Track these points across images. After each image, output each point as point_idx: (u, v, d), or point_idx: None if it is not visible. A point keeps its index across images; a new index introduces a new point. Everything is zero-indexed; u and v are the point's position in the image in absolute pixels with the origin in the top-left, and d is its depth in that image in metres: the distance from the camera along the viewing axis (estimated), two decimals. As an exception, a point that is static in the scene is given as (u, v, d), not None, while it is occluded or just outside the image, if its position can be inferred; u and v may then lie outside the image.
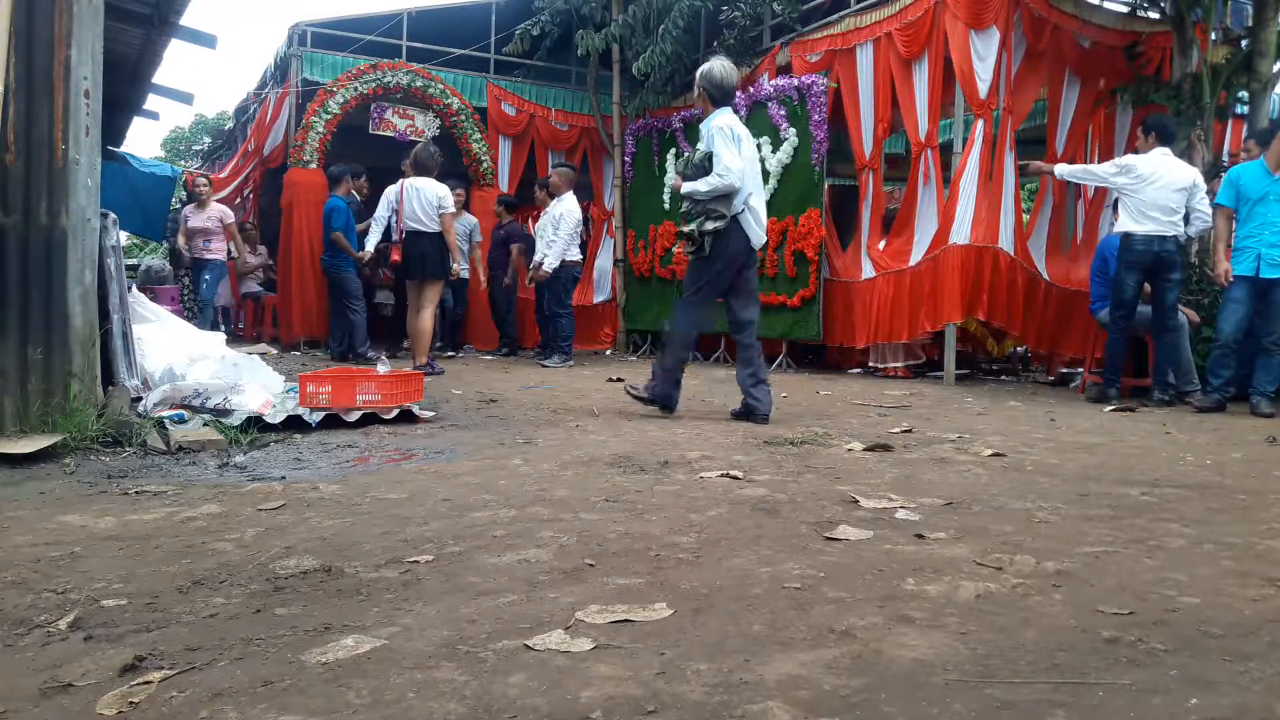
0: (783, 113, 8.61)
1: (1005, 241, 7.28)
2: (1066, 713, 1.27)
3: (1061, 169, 6.49)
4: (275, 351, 9.00)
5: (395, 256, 7.52)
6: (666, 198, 9.99)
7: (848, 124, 8.35)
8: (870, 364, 8.33)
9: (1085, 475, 3.20)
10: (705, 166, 4.62)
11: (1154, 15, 7.81)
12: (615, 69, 10.87)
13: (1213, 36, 7.08)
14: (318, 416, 4.25)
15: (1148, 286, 5.87)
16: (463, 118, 10.54)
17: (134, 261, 15.15)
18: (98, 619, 1.65)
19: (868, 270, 8.13)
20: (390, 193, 7.42)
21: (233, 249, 9.73)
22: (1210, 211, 5.77)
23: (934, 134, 7.73)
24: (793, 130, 8.48)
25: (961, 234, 7.15)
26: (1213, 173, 6.55)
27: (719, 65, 4.76)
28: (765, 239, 4.85)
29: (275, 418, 4.14)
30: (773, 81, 8.84)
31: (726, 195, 4.58)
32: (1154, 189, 5.72)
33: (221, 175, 11.85)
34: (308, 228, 9.58)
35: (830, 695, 1.32)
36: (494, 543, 2.19)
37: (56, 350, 3.66)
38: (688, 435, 4.12)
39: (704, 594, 1.80)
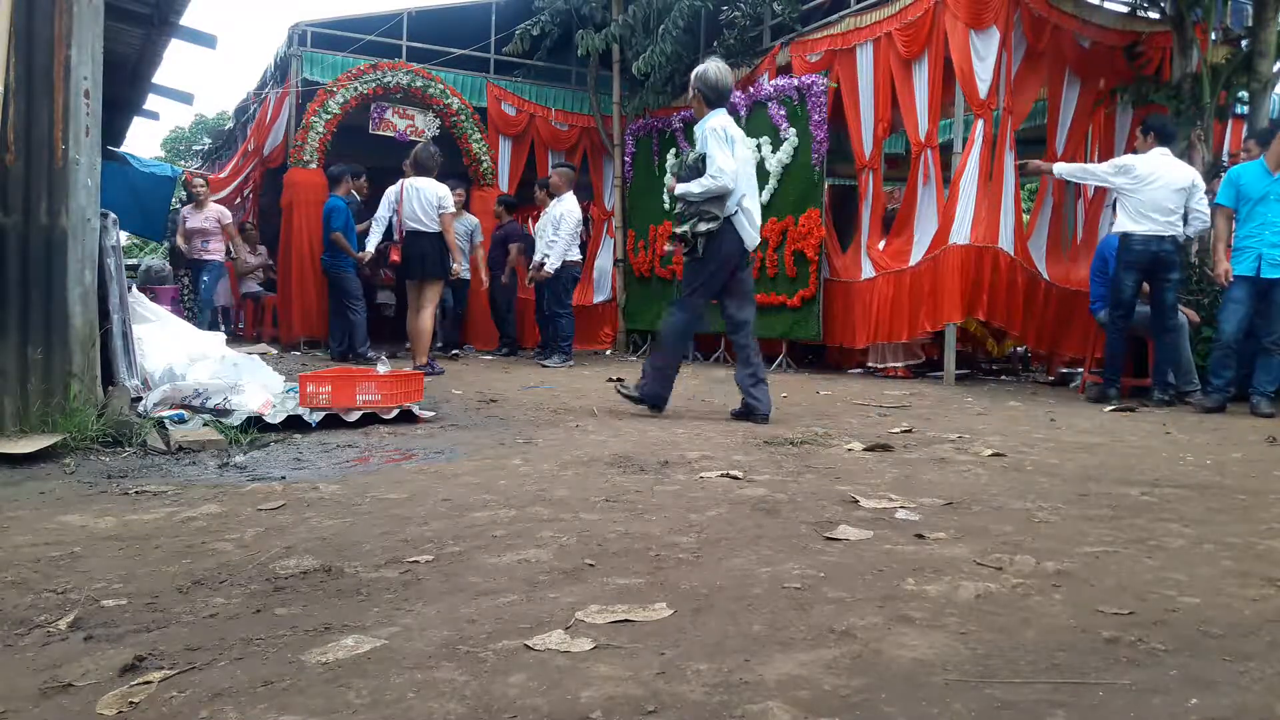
0: (783, 113, 8.61)
1: (1005, 241, 7.28)
2: (1066, 713, 1.27)
3: (1060, 168, 6.49)
4: (275, 351, 9.00)
5: (395, 256, 7.52)
6: (666, 198, 9.95)
7: (848, 124, 8.35)
8: (870, 364, 8.33)
9: (1085, 475, 3.20)
10: (699, 168, 4.63)
11: (1154, 15, 7.81)
12: (615, 69, 10.87)
13: (1213, 36, 7.08)
14: (318, 416, 4.25)
15: (1147, 286, 5.88)
16: (463, 118, 10.54)
17: (134, 261, 15.15)
18: (98, 619, 1.65)
19: (868, 270, 8.14)
20: (391, 193, 7.42)
21: (233, 249, 9.72)
22: (1208, 212, 5.77)
23: (934, 134, 7.73)
24: (793, 130, 8.48)
25: (961, 234, 7.15)
26: (1213, 173, 6.55)
27: (714, 67, 4.77)
28: (759, 240, 4.85)
29: (275, 418, 4.14)
30: (773, 81, 8.85)
31: (720, 197, 4.59)
32: (1152, 189, 5.72)
33: (221, 175, 11.85)
34: (308, 228, 9.58)
35: (830, 695, 1.32)
36: (494, 543, 2.19)
37: (56, 350, 3.66)
38: (688, 435, 4.12)
39: (704, 594, 1.80)
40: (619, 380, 4.94)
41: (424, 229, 7.22)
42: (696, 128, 4.77)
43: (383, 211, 7.43)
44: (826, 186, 8.48)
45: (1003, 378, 8.21)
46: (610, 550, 2.12)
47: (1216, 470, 3.38)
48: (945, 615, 1.68)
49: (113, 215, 4.10)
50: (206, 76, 68.60)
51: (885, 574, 1.94)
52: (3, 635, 1.57)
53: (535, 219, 10.98)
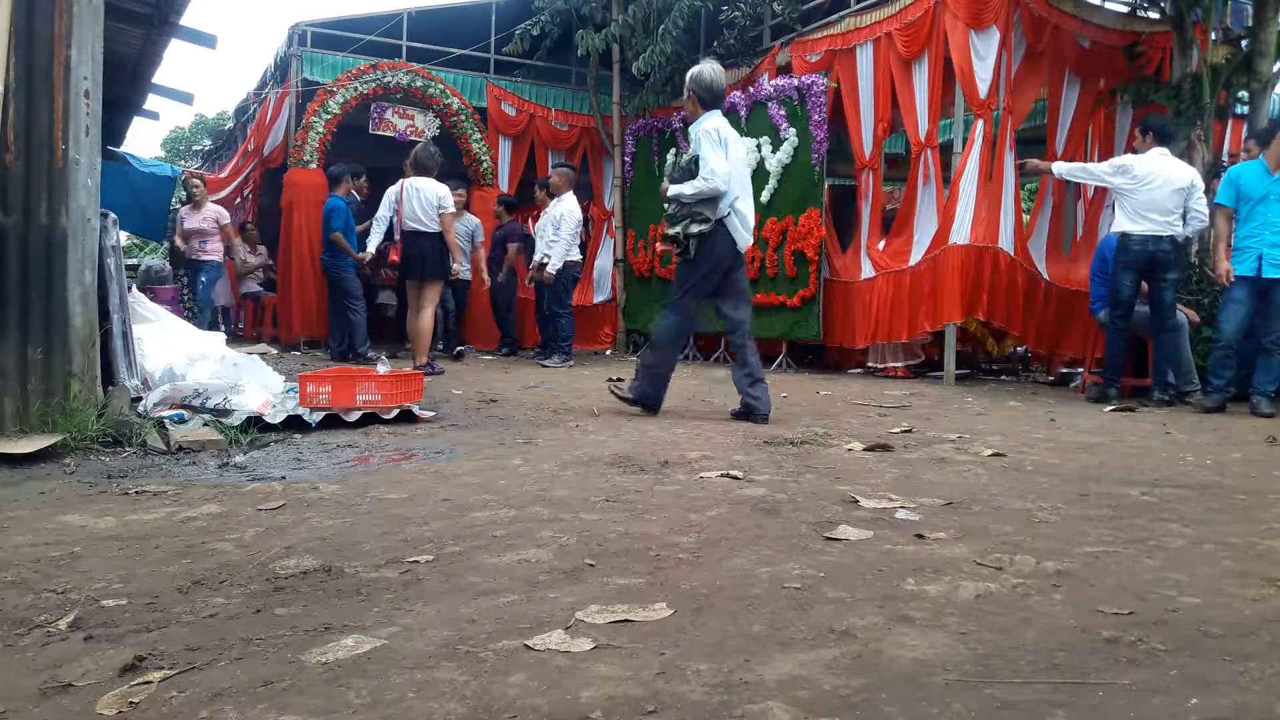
0: (783, 113, 8.61)
1: (1005, 241, 7.28)
2: (1066, 713, 1.27)
3: (1059, 167, 6.49)
4: (275, 351, 9.00)
5: (394, 256, 7.52)
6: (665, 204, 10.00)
7: (848, 124, 8.35)
8: (869, 364, 8.33)
9: (1085, 475, 3.20)
10: (691, 170, 4.65)
11: (1154, 15, 7.81)
12: (615, 69, 10.87)
13: (1213, 36, 7.08)
14: (318, 416, 4.25)
15: (1146, 286, 5.88)
16: (463, 118, 10.54)
17: (134, 261, 15.15)
18: (98, 619, 1.65)
19: (867, 270, 8.14)
20: (391, 192, 7.43)
21: (231, 249, 9.69)
22: (1207, 211, 5.78)
23: (934, 134, 7.74)
24: (793, 130, 8.48)
25: (961, 234, 7.15)
26: (1213, 173, 6.55)
27: (708, 68, 4.77)
28: (751, 241, 4.86)
29: (275, 418, 4.14)
30: (773, 81, 8.85)
31: (712, 199, 4.61)
32: (1151, 190, 5.73)
33: (221, 175, 11.85)
34: (308, 228, 9.58)
35: (830, 695, 1.32)
36: (494, 543, 2.19)
37: (56, 350, 3.66)
38: (688, 435, 4.12)
39: (704, 594, 1.80)
40: (617, 380, 4.94)
41: (424, 229, 7.22)
42: (691, 129, 4.78)
43: (383, 211, 7.43)
44: (826, 186, 8.48)
45: (1003, 378, 8.21)
46: (610, 550, 2.12)
47: (1216, 470, 3.38)
48: (945, 615, 1.68)
49: (113, 215, 4.10)
50: (206, 76, 68.66)
51: (885, 574, 1.94)
52: (3, 635, 1.57)
53: (535, 219, 10.98)
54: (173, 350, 4.77)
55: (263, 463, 3.40)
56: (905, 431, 4.31)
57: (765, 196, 8.82)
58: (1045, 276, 7.62)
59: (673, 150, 10.05)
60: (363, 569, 1.97)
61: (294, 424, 4.17)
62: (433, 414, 4.69)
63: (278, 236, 10.25)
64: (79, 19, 3.74)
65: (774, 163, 8.69)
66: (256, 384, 4.57)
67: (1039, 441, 4.07)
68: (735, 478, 3.03)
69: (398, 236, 7.37)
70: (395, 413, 4.44)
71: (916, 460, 3.49)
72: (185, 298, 9.52)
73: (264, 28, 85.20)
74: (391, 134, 10.41)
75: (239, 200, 12.00)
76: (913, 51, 7.63)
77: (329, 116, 9.77)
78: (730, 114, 9.24)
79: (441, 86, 10.40)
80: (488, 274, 9.61)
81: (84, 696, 1.33)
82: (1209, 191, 6.07)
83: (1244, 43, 6.90)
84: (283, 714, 1.26)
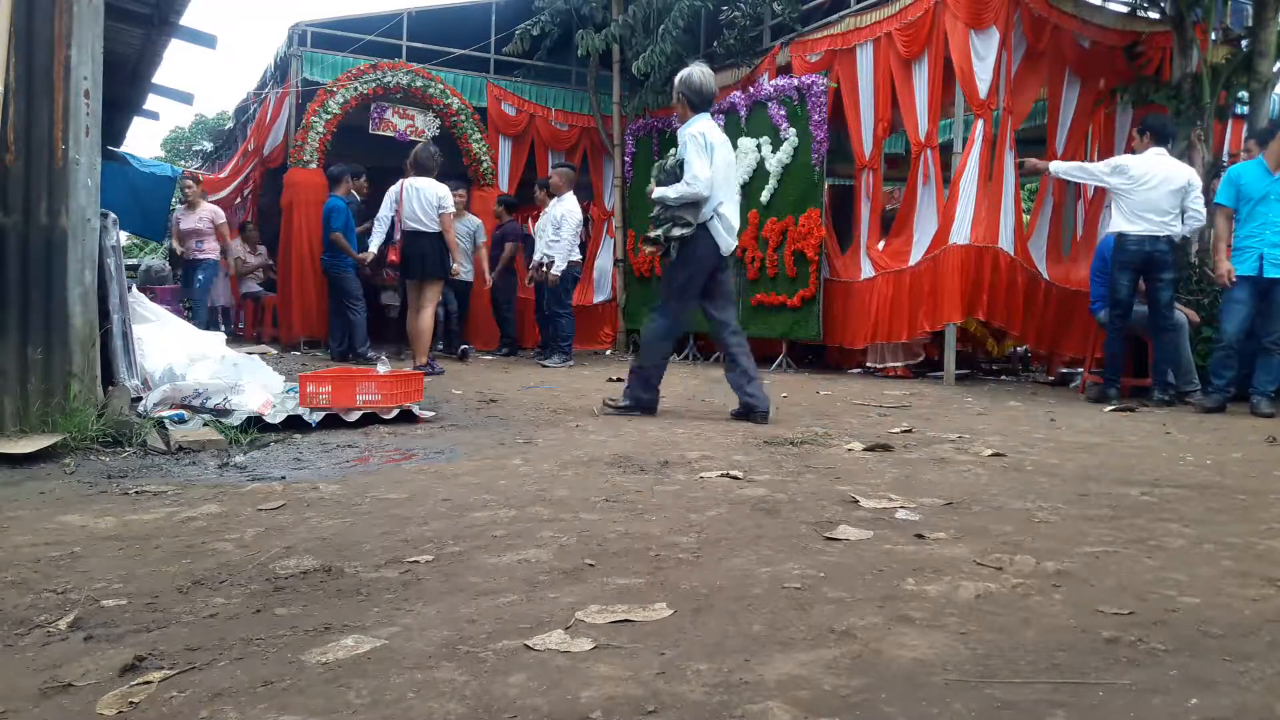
0: (783, 113, 8.61)
1: (1005, 241, 7.28)
2: (1066, 713, 1.27)
3: (1057, 166, 6.50)
4: (275, 351, 9.00)
5: (393, 256, 7.52)
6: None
7: (848, 124, 8.35)
8: (869, 364, 8.33)
9: (1085, 475, 3.20)
10: (676, 173, 4.68)
11: (1154, 15, 7.81)
12: (615, 69, 10.87)
13: (1213, 36, 7.08)
14: (318, 416, 4.25)
15: (1145, 286, 5.89)
16: (463, 118, 10.54)
17: (134, 261, 15.15)
18: (98, 619, 1.65)
19: (867, 270, 8.14)
20: (391, 192, 7.43)
21: (226, 249, 9.61)
22: (1204, 211, 5.79)
23: (934, 134, 7.73)
24: (793, 130, 8.48)
25: (961, 234, 7.15)
26: (1212, 173, 6.55)
27: (698, 71, 4.78)
28: (735, 244, 4.87)
29: (275, 418, 4.14)
30: (773, 81, 8.85)
31: (695, 203, 4.62)
32: (1148, 190, 5.74)
33: (221, 175, 11.85)
34: (308, 228, 9.58)
35: (830, 695, 1.32)
36: (494, 543, 2.19)
37: (56, 350, 3.66)
38: (688, 435, 4.12)
39: (704, 594, 1.80)
40: (608, 400, 4.96)
41: (424, 229, 7.22)
42: (679, 132, 4.79)
43: (385, 211, 7.43)
44: (826, 186, 8.48)
45: (1003, 378, 8.21)
46: (610, 550, 2.12)
47: (1216, 470, 3.38)
48: (945, 615, 1.68)
49: (113, 215, 4.10)
50: (206, 76, 68.67)
51: (885, 574, 1.94)
52: (3, 635, 1.57)
53: (535, 219, 10.98)
54: (173, 350, 4.77)
55: (263, 463, 3.40)
56: (905, 431, 4.31)
57: (765, 196, 8.82)
58: (1045, 276, 7.62)
59: (672, 150, 10.04)
60: (363, 569, 1.97)
61: (294, 424, 4.17)
62: (433, 414, 4.69)
63: (278, 236, 10.24)
64: (79, 19, 3.74)
65: (774, 163, 8.69)
66: (256, 384, 4.57)
67: (1039, 441, 4.07)
68: (735, 478, 3.03)
69: (397, 236, 7.37)
70: (395, 413, 4.44)
71: (916, 460, 3.49)
72: (185, 299, 9.51)
73: (264, 28, 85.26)
74: (391, 134, 10.41)
75: (239, 200, 12.00)
76: (913, 51, 7.63)
77: (329, 116, 9.77)
78: (730, 114, 9.27)
79: (441, 86, 10.39)
80: (488, 274, 9.61)
81: (84, 696, 1.33)
82: (1209, 191, 6.08)
83: (1244, 43, 6.89)
84: (283, 714, 1.26)
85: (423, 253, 7.23)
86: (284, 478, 3.10)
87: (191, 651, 1.49)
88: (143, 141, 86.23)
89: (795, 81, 8.49)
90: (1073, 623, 1.64)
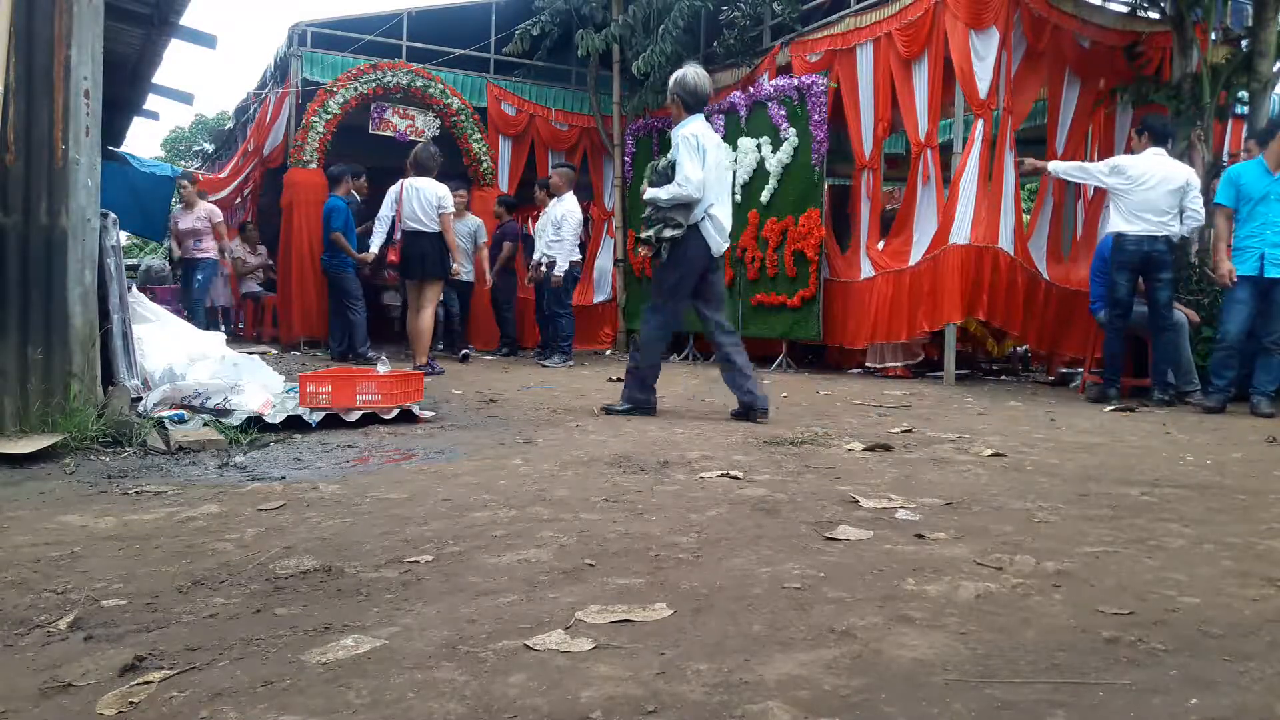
0: (783, 113, 8.61)
1: (1005, 241, 7.28)
2: (1066, 713, 1.27)
3: (1056, 166, 6.50)
4: (275, 351, 9.00)
5: (393, 256, 7.52)
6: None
7: (848, 124, 8.35)
8: (868, 364, 8.34)
9: (1085, 475, 3.20)
10: (668, 174, 4.70)
11: (1154, 15, 7.81)
12: (615, 69, 10.87)
13: (1213, 36, 7.08)
14: (318, 416, 4.25)
15: (1144, 286, 5.89)
16: (463, 118, 10.54)
17: (134, 261, 15.17)
18: (98, 619, 1.65)
19: (867, 270, 8.14)
20: (391, 192, 7.43)
21: (223, 248, 9.56)
22: (1202, 211, 5.80)
23: (934, 134, 7.74)
24: (793, 130, 8.48)
25: (961, 234, 7.15)
26: (1212, 173, 6.55)
27: (692, 72, 4.79)
28: (727, 245, 4.88)
29: (275, 418, 4.14)
30: (773, 81, 8.85)
31: (687, 205, 4.63)
32: (1146, 190, 5.75)
33: (221, 175, 11.85)
34: (308, 228, 9.58)
35: (830, 695, 1.32)
36: (494, 543, 2.19)
37: (56, 350, 3.66)
38: (688, 435, 4.12)
39: (704, 594, 1.80)
40: (605, 405, 4.97)
41: (424, 229, 7.22)
42: (672, 133, 4.80)
43: (385, 211, 7.43)
44: (826, 186, 8.48)
45: (1003, 378, 8.21)
46: (610, 550, 2.12)
47: (1216, 470, 3.38)
48: (945, 615, 1.68)
49: (113, 215, 4.10)
50: (206, 76, 68.70)
51: (885, 574, 1.94)
52: (3, 635, 1.57)
53: (535, 219, 10.98)
54: (173, 350, 4.77)
55: (263, 463, 3.40)
56: (905, 431, 4.31)
57: (765, 196, 8.83)
58: (1045, 276, 7.62)
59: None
60: (363, 569, 1.97)
61: (294, 424, 4.17)
62: (433, 414, 4.69)
63: (278, 236, 10.24)
64: (79, 19, 3.74)
65: (774, 163, 8.69)
66: (256, 384, 4.57)
67: (1039, 441, 4.07)
68: (735, 478, 3.03)
69: (397, 236, 7.37)
70: (395, 413, 4.44)
71: (916, 460, 3.49)
72: (185, 300, 9.48)
73: (264, 28, 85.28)
74: (391, 134, 10.41)
75: (239, 200, 12.00)
76: (913, 51, 7.63)
77: (329, 116, 9.77)
78: (730, 114, 9.28)
79: (441, 86, 10.40)
80: (489, 274, 9.60)
81: (84, 696, 1.33)
82: (1209, 191, 6.07)
83: (1244, 43, 6.89)
84: (283, 714, 1.26)
85: (423, 253, 7.24)
86: (284, 478, 3.10)
87: (191, 651, 1.49)
88: (143, 141, 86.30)
89: (795, 81, 8.49)
90: (1073, 623, 1.64)
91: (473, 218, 9.55)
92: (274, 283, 10.94)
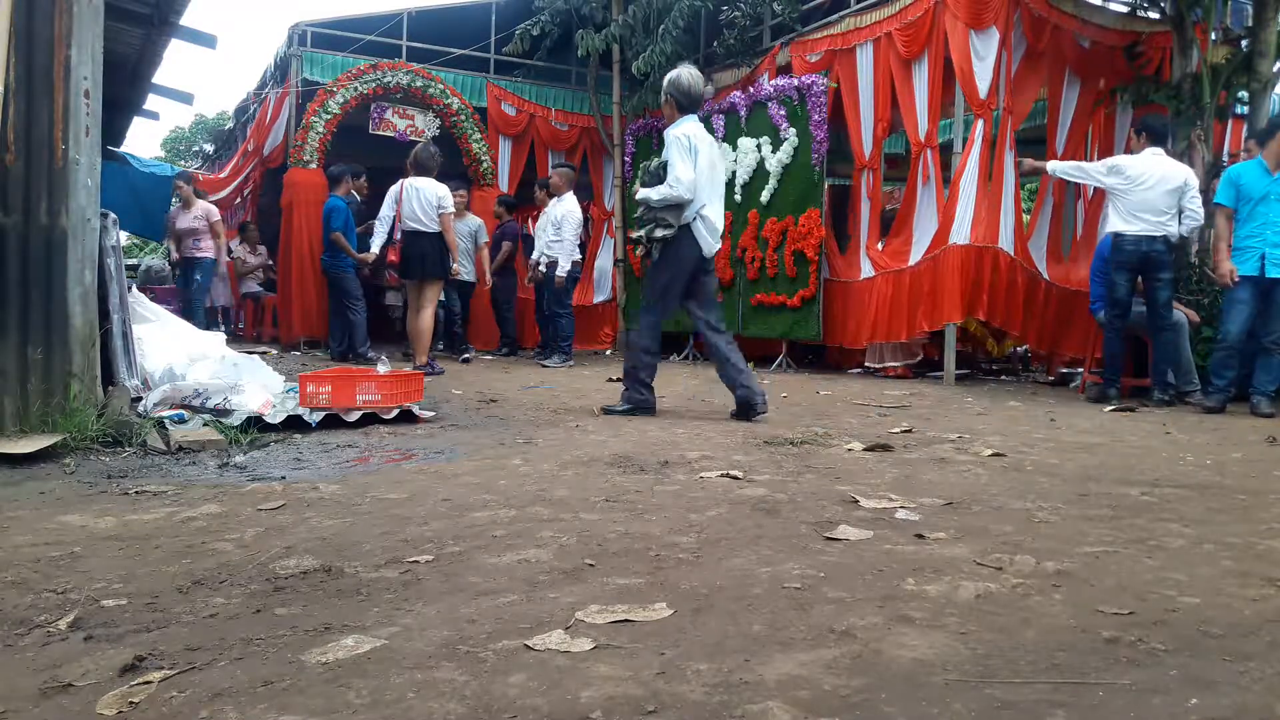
0: (783, 113, 8.61)
1: (1005, 241, 7.28)
2: (1066, 713, 1.27)
3: (1055, 166, 6.50)
4: (275, 351, 9.00)
5: (393, 256, 7.52)
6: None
7: (848, 124, 8.35)
8: (867, 364, 8.34)
9: (1085, 475, 3.20)
10: (660, 174, 4.71)
11: (1154, 15, 7.81)
12: (615, 69, 10.87)
13: (1213, 36, 7.08)
14: (318, 416, 4.25)
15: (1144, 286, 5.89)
16: (463, 118, 10.54)
17: (134, 261, 15.17)
18: (98, 619, 1.65)
19: (867, 270, 8.14)
20: (392, 192, 7.43)
21: (217, 247, 9.50)
22: (1201, 211, 5.80)
23: (934, 134, 7.74)
24: (793, 130, 8.49)
25: (961, 234, 7.15)
26: (1212, 173, 6.55)
27: (686, 73, 4.80)
28: (719, 246, 4.89)
29: (275, 418, 4.14)
30: (773, 81, 8.85)
31: (678, 205, 4.63)
32: (1144, 190, 5.75)
33: (221, 175, 11.85)
34: (308, 228, 9.58)
35: (830, 695, 1.32)
36: (494, 543, 2.19)
37: (56, 350, 3.66)
38: (688, 435, 4.12)
39: (704, 594, 1.80)
40: (604, 407, 4.98)
41: (424, 229, 7.22)
42: (665, 133, 4.81)
43: (386, 211, 7.43)
44: (826, 186, 8.48)
45: (1003, 378, 8.21)
46: (610, 550, 2.12)
47: (1216, 470, 3.38)
48: (945, 615, 1.68)
49: (113, 215, 4.10)
50: (206, 76, 68.71)
51: (885, 574, 1.94)
52: (3, 635, 1.57)
53: (535, 219, 10.98)
54: (173, 350, 4.77)
55: (263, 463, 3.40)
56: (905, 431, 4.31)
57: (765, 196, 8.83)
58: (1045, 276, 7.62)
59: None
60: (363, 569, 1.97)
61: (294, 424, 4.17)
62: (433, 414, 4.69)
63: (278, 236, 10.24)
64: (79, 19, 3.74)
65: (774, 163, 8.69)
66: (256, 384, 4.57)
67: (1039, 441, 4.07)
68: (735, 478, 3.03)
69: (397, 236, 7.38)
70: (395, 413, 4.44)
71: (916, 460, 3.49)
72: (186, 299, 9.45)
73: (264, 28, 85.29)
74: (391, 134, 10.41)
75: (239, 200, 12.00)
76: (913, 51, 7.63)
77: (329, 116, 9.77)
78: (730, 114, 9.28)
79: (441, 86, 10.40)
80: (489, 274, 9.60)
81: (84, 696, 1.33)
82: (1210, 191, 6.07)
83: (1244, 43, 6.89)
84: (283, 714, 1.26)
85: (422, 253, 7.24)
86: (284, 478, 3.10)
87: (191, 651, 1.49)
88: (143, 141, 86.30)
89: (795, 81, 8.49)
90: (1073, 623, 1.64)
91: (473, 217, 9.55)
92: (274, 283, 10.94)
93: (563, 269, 8.49)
